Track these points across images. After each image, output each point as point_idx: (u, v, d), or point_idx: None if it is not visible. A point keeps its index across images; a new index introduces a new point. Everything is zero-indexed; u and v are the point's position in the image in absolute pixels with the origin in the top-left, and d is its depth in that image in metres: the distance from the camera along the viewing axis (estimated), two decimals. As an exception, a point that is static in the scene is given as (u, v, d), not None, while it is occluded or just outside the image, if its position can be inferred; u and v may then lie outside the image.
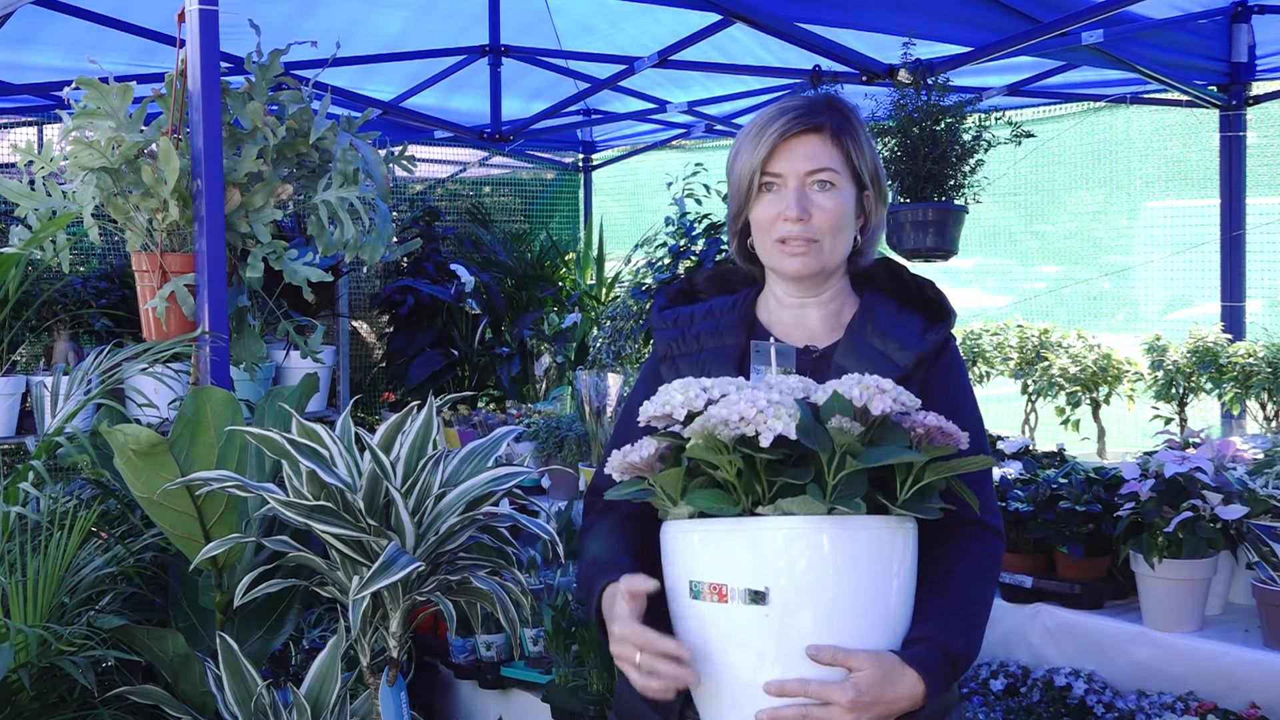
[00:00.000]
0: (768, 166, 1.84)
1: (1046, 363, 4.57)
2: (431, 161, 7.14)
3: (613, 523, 1.89)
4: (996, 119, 4.09)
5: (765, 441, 1.48)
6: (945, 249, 4.07)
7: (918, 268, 2.64)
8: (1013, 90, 5.21)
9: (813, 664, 1.53)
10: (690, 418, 1.57)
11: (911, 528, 1.61)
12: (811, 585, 1.53)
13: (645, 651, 1.60)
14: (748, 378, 1.86)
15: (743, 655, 1.56)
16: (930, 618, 1.67)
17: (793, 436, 1.49)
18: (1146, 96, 5.28)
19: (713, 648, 1.58)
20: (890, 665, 1.56)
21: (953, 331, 1.93)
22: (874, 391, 1.55)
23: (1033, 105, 5.71)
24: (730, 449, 1.52)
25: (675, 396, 1.59)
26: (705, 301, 1.98)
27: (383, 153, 3.15)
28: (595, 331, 5.47)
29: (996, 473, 3.26)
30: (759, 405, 1.50)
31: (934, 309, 1.89)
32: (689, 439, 1.55)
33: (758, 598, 1.52)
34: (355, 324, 6.71)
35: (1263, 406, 4.15)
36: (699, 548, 1.59)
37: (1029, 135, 4.12)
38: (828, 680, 1.52)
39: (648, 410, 1.61)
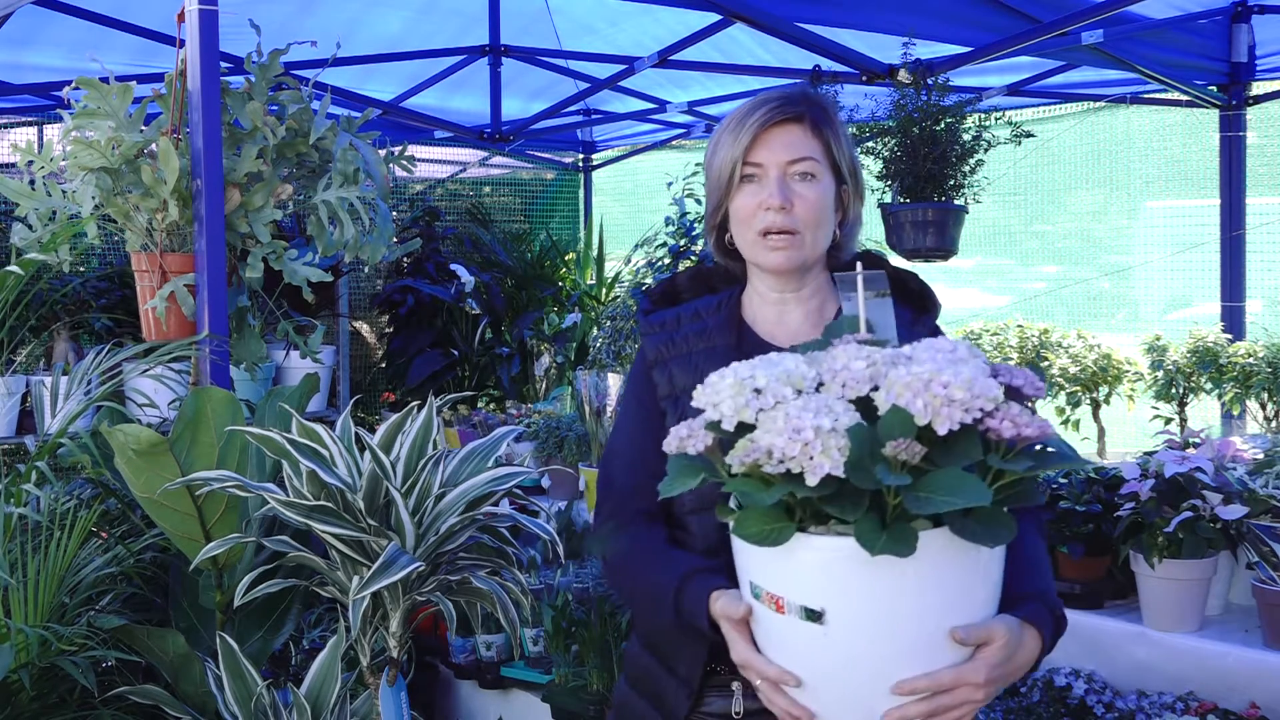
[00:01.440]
0: (749, 156, 1.83)
1: (1046, 363, 4.57)
2: (431, 161, 7.14)
3: (641, 525, 1.86)
4: (996, 119, 4.09)
5: (812, 481, 1.33)
6: (945, 249, 4.07)
7: (918, 268, 2.64)
8: (1013, 90, 5.21)
9: (889, 667, 1.44)
10: (740, 428, 1.42)
11: None
12: (871, 610, 1.40)
13: (762, 679, 1.55)
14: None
15: (810, 665, 1.47)
16: (1029, 573, 1.63)
17: (840, 475, 1.32)
18: (1146, 96, 5.28)
19: (779, 651, 1.51)
20: (1015, 632, 1.51)
21: (941, 326, 1.92)
22: (941, 403, 1.33)
23: (1033, 105, 5.71)
24: (776, 481, 1.37)
25: (725, 403, 1.43)
26: (690, 303, 1.97)
27: (383, 153, 3.15)
28: (595, 331, 5.48)
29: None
30: (805, 438, 1.33)
31: (919, 301, 1.90)
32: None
33: (814, 616, 1.41)
34: (355, 324, 6.71)
35: (1263, 406, 4.15)
36: (753, 553, 1.45)
37: (1029, 135, 4.12)
38: (957, 664, 1.44)
39: (700, 398, 1.48)
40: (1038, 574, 1.68)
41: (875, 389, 1.41)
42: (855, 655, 1.43)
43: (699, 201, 4.87)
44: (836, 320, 1.66)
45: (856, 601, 1.40)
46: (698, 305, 1.95)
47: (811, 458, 1.33)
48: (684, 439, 1.47)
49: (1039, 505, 1.77)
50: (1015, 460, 1.35)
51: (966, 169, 4.03)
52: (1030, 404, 1.46)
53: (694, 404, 1.50)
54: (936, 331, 1.89)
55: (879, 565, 1.35)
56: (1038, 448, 1.41)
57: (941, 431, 1.33)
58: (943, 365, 1.38)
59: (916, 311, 1.88)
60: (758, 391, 1.43)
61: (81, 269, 5.26)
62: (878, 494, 1.35)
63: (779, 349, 1.87)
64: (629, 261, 6.39)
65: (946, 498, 1.30)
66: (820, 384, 1.46)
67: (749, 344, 1.90)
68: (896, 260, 2.22)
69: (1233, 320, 4.89)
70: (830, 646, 1.43)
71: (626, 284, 5.65)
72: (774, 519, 1.40)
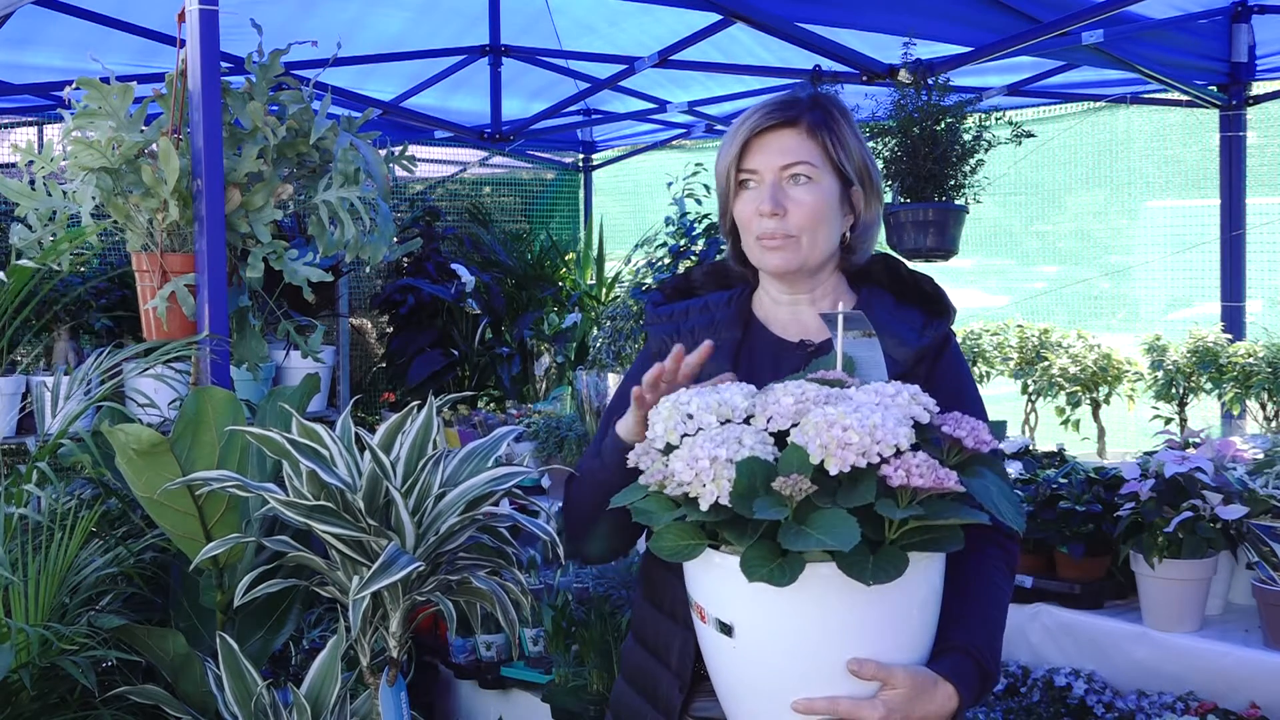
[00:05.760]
0: (743, 163, 1.83)
1: (1046, 363, 4.57)
2: (431, 161, 7.14)
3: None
4: (997, 119, 4.09)
5: (703, 506, 1.41)
6: (945, 249, 4.07)
7: (918, 268, 2.64)
8: (1013, 90, 5.21)
9: (796, 687, 1.48)
10: (668, 448, 1.51)
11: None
12: (772, 631, 1.46)
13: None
14: (741, 370, 1.86)
15: (727, 673, 1.55)
16: (962, 625, 1.63)
17: (726, 504, 1.40)
18: (1146, 96, 5.28)
19: (707, 655, 1.59)
20: (924, 681, 1.52)
21: (953, 329, 1.92)
22: (837, 445, 1.39)
23: (1033, 105, 5.71)
24: (679, 503, 1.46)
25: (659, 424, 1.53)
26: (701, 296, 1.98)
27: (383, 153, 3.14)
28: (595, 331, 5.48)
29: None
30: (700, 466, 1.42)
31: (933, 304, 1.88)
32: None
33: (725, 629, 1.49)
34: (355, 324, 6.71)
35: (1263, 406, 4.15)
36: (687, 564, 1.54)
37: (1029, 135, 4.12)
38: (858, 697, 1.48)
39: (651, 416, 1.57)
40: (978, 625, 1.66)
41: (795, 425, 1.48)
42: (761, 671, 1.49)
43: (699, 201, 4.88)
44: (822, 357, 1.70)
45: (760, 620, 1.46)
46: (708, 299, 1.96)
47: (705, 485, 1.41)
48: (641, 455, 1.56)
49: (1011, 540, 1.78)
50: (906, 508, 1.40)
51: (967, 169, 4.04)
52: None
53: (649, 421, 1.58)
54: (950, 336, 1.88)
55: (780, 589, 1.39)
56: (947, 496, 1.44)
57: (833, 471, 1.39)
58: (866, 409, 1.44)
59: (928, 316, 1.86)
60: (690, 417, 1.51)
61: (83, 269, 5.26)
62: (776, 524, 1.40)
63: (790, 344, 1.88)
64: (629, 261, 6.39)
65: (820, 536, 1.37)
66: (750, 416, 1.53)
67: (758, 340, 1.89)
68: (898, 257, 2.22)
69: (1233, 320, 4.89)
70: (740, 660, 1.50)
71: (626, 284, 5.65)
72: (688, 535, 1.46)
